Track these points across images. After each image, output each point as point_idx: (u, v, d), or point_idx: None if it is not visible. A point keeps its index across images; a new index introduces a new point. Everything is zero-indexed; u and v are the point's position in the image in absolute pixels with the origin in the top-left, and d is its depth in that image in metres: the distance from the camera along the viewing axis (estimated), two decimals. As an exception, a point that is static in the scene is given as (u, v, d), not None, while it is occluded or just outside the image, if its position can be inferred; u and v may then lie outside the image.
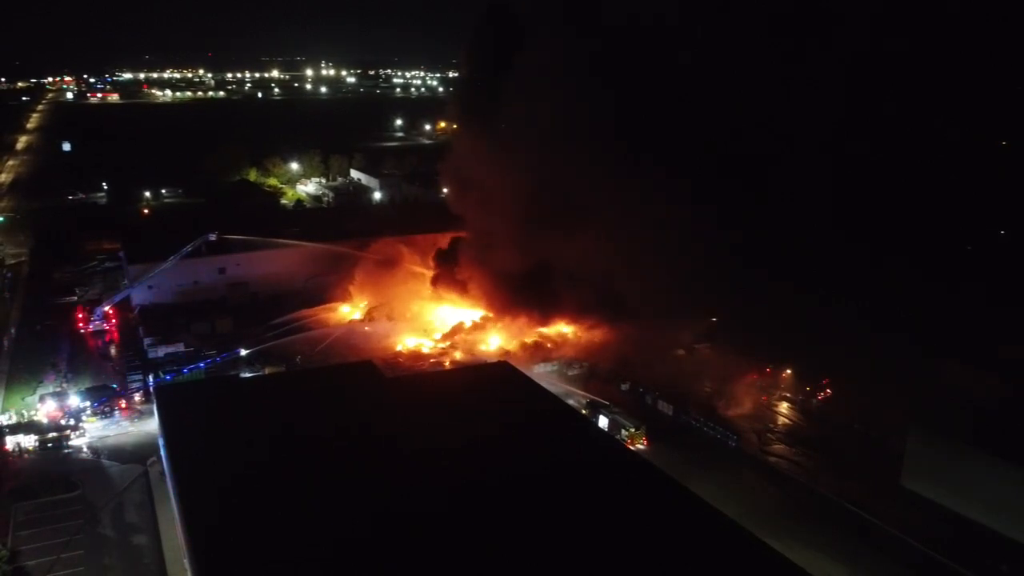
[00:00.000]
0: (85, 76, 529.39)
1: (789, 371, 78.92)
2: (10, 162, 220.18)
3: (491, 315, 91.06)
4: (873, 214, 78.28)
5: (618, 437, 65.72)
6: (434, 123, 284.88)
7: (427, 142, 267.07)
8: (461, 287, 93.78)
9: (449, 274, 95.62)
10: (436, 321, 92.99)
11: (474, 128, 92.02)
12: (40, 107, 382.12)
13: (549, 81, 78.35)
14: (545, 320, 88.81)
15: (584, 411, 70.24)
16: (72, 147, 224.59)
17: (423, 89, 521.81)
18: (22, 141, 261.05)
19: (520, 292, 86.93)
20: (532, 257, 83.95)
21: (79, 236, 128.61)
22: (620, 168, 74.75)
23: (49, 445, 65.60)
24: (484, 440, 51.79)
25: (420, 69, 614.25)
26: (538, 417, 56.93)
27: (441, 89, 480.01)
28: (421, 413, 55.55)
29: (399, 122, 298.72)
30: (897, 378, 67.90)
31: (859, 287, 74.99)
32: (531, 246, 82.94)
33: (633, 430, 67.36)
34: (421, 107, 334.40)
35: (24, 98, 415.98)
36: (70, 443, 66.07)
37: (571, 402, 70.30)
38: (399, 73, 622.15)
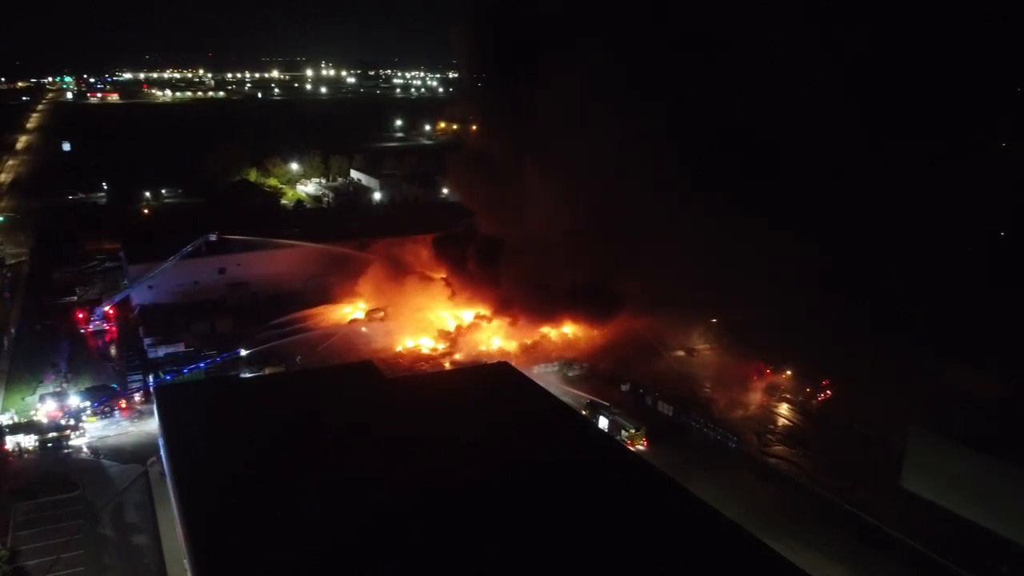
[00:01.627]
0: (85, 76, 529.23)
1: (789, 372, 78.96)
2: (10, 162, 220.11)
3: (491, 315, 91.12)
4: (874, 215, 78.42)
5: (618, 438, 65.73)
6: (434, 123, 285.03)
7: (427, 142, 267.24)
8: (483, 291, 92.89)
9: (464, 275, 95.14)
10: (436, 322, 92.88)
11: (500, 137, 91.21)
12: (40, 107, 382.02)
13: (593, 100, 77.82)
14: (601, 323, 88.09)
15: (584, 412, 70.24)
16: (72, 147, 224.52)
17: (423, 90, 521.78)
18: (22, 141, 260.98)
19: (566, 300, 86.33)
20: (578, 267, 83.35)
21: (79, 236, 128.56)
22: (656, 181, 75.02)
23: (49, 445, 65.62)
24: (484, 440, 51.84)
25: (420, 69, 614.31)
26: (538, 418, 56.93)
27: (441, 89, 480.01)
28: (421, 413, 55.56)
29: (399, 122, 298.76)
30: (897, 378, 68.04)
31: (859, 287, 75.15)
32: (574, 257, 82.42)
33: (633, 431, 67.35)
34: (421, 107, 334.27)
35: (24, 98, 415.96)
36: (70, 443, 66.10)
37: (571, 403, 70.25)
38: (399, 73, 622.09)
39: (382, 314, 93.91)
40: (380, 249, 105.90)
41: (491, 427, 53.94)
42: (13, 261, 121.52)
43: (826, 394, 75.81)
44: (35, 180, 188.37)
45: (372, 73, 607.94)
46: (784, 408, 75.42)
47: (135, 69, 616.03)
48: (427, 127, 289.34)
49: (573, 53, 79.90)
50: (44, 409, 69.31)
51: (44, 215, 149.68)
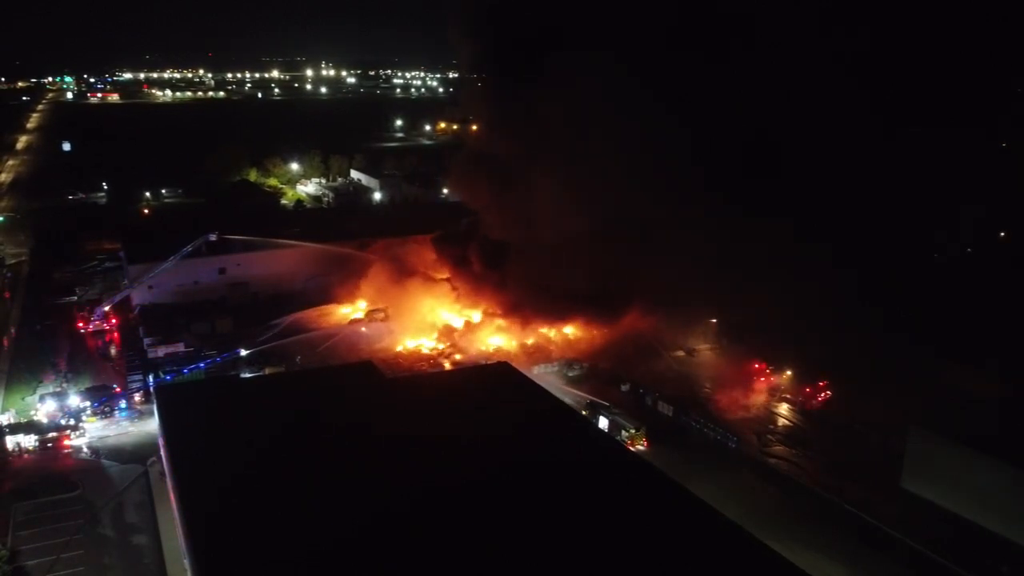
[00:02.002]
0: (85, 76, 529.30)
1: (789, 372, 78.94)
2: (10, 162, 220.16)
3: (492, 314, 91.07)
4: (875, 215, 78.52)
5: (618, 438, 65.73)
6: (434, 124, 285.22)
7: (427, 142, 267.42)
8: (487, 290, 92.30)
9: (467, 274, 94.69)
10: (438, 322, 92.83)
11: (500, 137, 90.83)
12: (40, 107, 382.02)
13: (593, 101, 77.62)
14: (605, 324, 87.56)
15: (584, 412, 70.24)
16: (72, 147, 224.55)
17: (423, 90, 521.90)
18: (22, 141, 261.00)
19: (570, 301, 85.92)
20: (579, 267, 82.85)
21: (79, 236, 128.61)
22: (656, 181, 75.03)
23: (49, 445, 65.62)
24: (484, 441, 51.79)
25: (420, 69, 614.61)
26: (538, 418, 56.92)
27: (441, 90, 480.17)
28: (421, 414, 55.55)
29: (399, 122, 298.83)
30: (897, 378, 68.13)
31: (859, 287, 75.21)
32: (575, 257, 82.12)
33: (633, 431, 67.34)
34: (421, 107, 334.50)
35: (24, 98, 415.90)
36: (70, 443, 66.12)
37: (571, 403, 70.25)
38: (399, 74, 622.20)
39: (383, 314, 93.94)
40: (380, 249, 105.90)
41: (491, 427, 53.91)
42: (13, 261, 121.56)
43: (826, 394, 75.82)
44: (35, 180, 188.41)
45: (372, 73, 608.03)
46: (784, 408, 75.41)
47: (135, 69, 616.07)
48: (427, 127, 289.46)
49: (574, 53, 79.80)
50: (44, 409, 69.34)
51: (44, 215, 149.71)
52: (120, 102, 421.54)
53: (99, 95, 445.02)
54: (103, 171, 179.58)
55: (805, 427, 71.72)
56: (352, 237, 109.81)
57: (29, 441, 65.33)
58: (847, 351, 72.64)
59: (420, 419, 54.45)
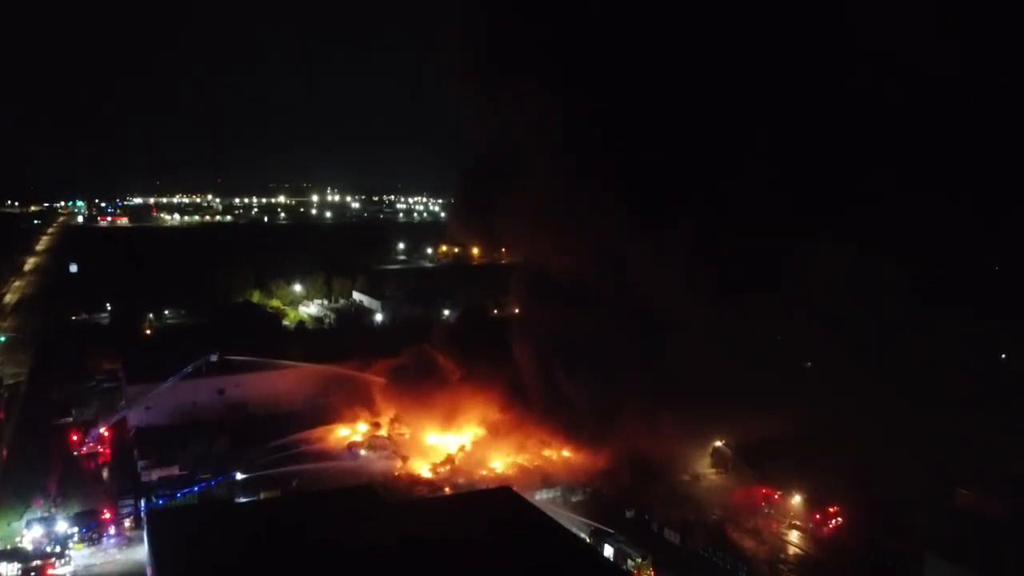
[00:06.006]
0: (97, 200, 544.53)
1: (798, 498, 77.06)
2: (16, 282, 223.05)
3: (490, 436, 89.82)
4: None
5: (624, 567, 63.35)
6: (435, 247, 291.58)
7: (428, 264, 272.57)
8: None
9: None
10: (436, 446, 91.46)
11: None
12: (51, 230, 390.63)
13: None
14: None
15: (588, 539, 68.02)
16: (79, 268, 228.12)
17: (425, 214, 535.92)
18: (30, 262, 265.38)
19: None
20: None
21: (79, 356, 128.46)
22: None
23: (32, 574, 63.15)
24: (487, 571, 50.04)
25: (422, 195, 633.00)
26: (542, 546, 55.24)
27: (443, 214, 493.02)
28: (422, 542, 53.81)
29: (401, 245, 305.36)
30: (908, 500, 66.76)
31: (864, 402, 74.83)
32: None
33: (640, 560, 64.92)
34: (423, 231, 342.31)
35: (36, 221, 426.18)
36: (55, 572, 63.68)
37: (574, 529, 68.19)
38: (402, 199, 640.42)
39: (384, 433, 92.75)
40: (382, 370, 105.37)
41: (494, 557, 52.25)
42: (11, 381, 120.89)
43: (836, 521, 73.72)
44: (40, 300, 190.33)
45: (376, 199, 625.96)
46: (795, 535, 73.11)
47: (146, 194, 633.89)
48: (428, 250, 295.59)
49: None
50: (30, 535, 67.17)
51: (47, 335, 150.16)
52: (129, 225, 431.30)
53: (108, 218, 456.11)
54: (108, 292, 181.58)
55: (818, 555, 69.28)
56: (354, 357, 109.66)
57: (12, 570, 62.91)
58: (858, 475, 71.48)
59: (421, 548, 52.72)
